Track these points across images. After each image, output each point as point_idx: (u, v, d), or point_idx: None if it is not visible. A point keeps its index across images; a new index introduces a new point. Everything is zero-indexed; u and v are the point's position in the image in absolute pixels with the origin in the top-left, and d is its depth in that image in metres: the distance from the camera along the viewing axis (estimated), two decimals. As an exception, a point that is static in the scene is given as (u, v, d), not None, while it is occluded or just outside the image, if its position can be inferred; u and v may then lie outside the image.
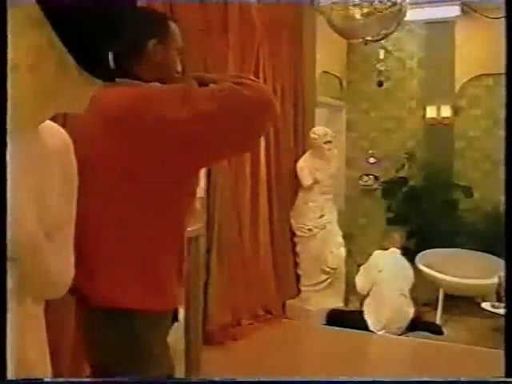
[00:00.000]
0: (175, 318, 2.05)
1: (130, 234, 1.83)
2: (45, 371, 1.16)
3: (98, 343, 1.94)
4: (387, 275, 5.96)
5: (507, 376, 0.98)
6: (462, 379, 1.05)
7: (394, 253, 6.27)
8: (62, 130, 1.23)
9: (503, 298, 5.48)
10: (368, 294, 5.98)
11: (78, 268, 1.89)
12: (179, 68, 2.04)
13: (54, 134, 1.19)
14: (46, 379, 1.15)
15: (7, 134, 0.91)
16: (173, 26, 2.01)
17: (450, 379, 1.08)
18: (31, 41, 0.94)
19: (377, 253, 6.30)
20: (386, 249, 6.32)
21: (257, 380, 1.09)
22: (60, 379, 1.18)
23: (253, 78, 1.92)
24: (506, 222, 1.01)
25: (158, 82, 1.92)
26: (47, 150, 1.14)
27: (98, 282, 1.84)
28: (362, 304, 6.04)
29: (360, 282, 6.12)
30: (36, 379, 1.09)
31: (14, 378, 0.99)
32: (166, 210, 1.86)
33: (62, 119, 3.34)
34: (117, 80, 1.87)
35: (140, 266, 1.84)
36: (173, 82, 1.99)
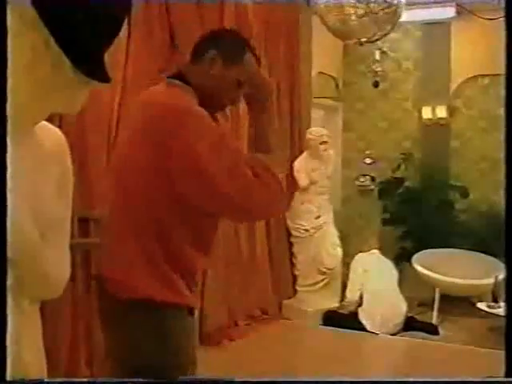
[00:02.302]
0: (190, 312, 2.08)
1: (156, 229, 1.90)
2: (41, 372, 1.16)
3: (120, 334, 1.99)
4: (373, 274, 6.06)
5: (507, 376, 0.98)
6: (462, 379, 1.06)
7: (375, 254, 6.37)
8: (58, 131, 1.23)
9: (499, 298, 5.50)
10: (361, 297, 6.01)
11: (107, 259, 1.99)
12: (235, 100, 2.07)
13: (50, 134, 1.19)
14: (45, 380, 1.15)
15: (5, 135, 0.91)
16: (249, 56, 2.03)
17: (449, 379, 1.08)
18: (27, 41, 0.94)
19: (358, 256, 6.39)
20: (367, 251, 6.42)
21: (254, 380, 1.10)
22: (59, 379, 1.18)
23: (273, 171, 1.92)
24: (506, 221, 1.01)
25: (207, 95, 1.98)
26: (43, 150, 1.14)
27: (120, 272, 1.94)
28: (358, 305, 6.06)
29: (349, 288, 6.18)
30: (36, 380, 1.10)
31: (12, 379, 0.99)
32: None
33: (58, 120, 3.36)
34: (167, 80, 1.99)
35: (159, 258, 1.91)
36: (218, 107, 2.06)
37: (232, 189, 1.83)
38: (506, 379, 0.98)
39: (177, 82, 1.99)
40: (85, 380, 2.96)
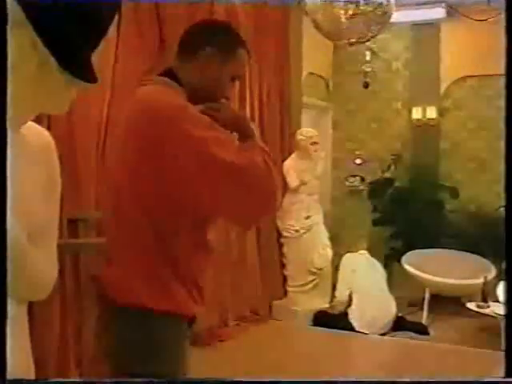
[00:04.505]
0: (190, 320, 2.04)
1: (149, 235, 1.84)
2: (28, 374, 1.15)
3: (114, 340, 1.96)
4: (362, 274, 6.08)
5: (507, 376, 0.98)
6: (461, 380, 1.06)
7: (363, 254, 6.39)
8: (45, 131, 1.22)
9: (488, 298, 5.53)
10: (350, 297, 6.02)
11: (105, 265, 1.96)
12: (228, 94, 2.01)
13: (37, 135, 1.18)
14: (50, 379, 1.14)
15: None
16: (241, 52, 1.97)
17: (449, 380, 1.08)
18: (13, 41, 0.94)
19: (347, 256, 6.40)
20: (355, 251, 6.43)
21: (244, 380, 1.09)
22: (60, 379, 1.17)
23: (270, 160, 1.84)
24: (506, 221, 1.01)
25: (199, 92, 1.92)
26: (30, 151, 1.13)
27: (115, 278, 1.90)
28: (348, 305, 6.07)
29: (338, 289, 6.19)
30: (36, 380, 1.09)
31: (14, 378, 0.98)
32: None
33: (46, 121, 3.35)
34: (156, 78, 1.94)
35: (155, 266, 1.86)
36: (211, 100, 1.96)
37: (235, 158, 1.73)
38: (506, 379, 0.98)
39: (165, 79, 1.92)
40: (88, 380, 2.95)
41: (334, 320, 5.90)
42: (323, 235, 6.42)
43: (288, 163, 6.30)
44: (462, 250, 6.58)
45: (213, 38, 1.94)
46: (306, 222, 6.26)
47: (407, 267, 6.45)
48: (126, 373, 1.90)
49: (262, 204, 1.85)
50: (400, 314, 6.07)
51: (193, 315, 2.00)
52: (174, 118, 1.76)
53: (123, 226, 1.91)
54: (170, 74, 1.94)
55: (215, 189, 1.78)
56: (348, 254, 6.41)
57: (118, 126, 2.03)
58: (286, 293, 6.38)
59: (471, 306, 5.67)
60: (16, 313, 1.11)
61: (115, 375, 1.97)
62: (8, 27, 0.92)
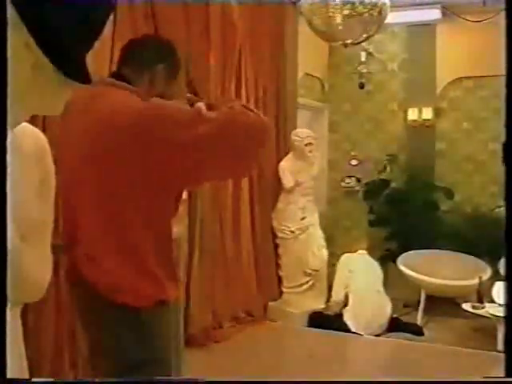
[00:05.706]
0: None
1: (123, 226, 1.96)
2: (21, 375, 1.14)
3: (102, 333, 2.01)
4: (359, 275, 6.09)
5: (507, 376, 0.98)
6: (461, 380, 1.06)
7: (362, 254, 6.38)
8: (39, 133, 1.22)
9: (484, 299, 5.54)
10: (346, 298, 6.02)
11: (86, 260, 2.01)
12: (184, 94, 2.24)
13: (31, 136, 1.18)
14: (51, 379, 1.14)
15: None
16: (180, 72, 2.24)
17: (449, 380, 1.08)
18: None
19: (345, 256, 6.39)
20: (354, 252, 6.43)
21: (240, 381, 1.09)
22: (60, 380, 1.16)
23: (247, 105, 2.04)
24: (506, 221, 1.01)
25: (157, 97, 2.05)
26: (24, 152, 1.13)
27: (102, 274, 1.96)
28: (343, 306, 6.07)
29: (334, 289, 6.19)
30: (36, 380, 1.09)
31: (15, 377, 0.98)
32: (154, 213, 2.00)
33: (41, 122, 3.33)
34: (116, 82, 2.02)
35: (133, 255, 1.95)
36: (171, 98, 2.13)
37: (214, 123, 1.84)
38: (506, 379, 0.98)
39: (126, 85, 2.05)
40: (89, 380, 2.95)
41: (329, 321, 5.90)
42: (319, 236, 6.41)
43: (283, 164, 6.30)
44: (458, 251, 6.59)
45: (165, 56, 2.18)
46: (301, 223, 6.26)
47: (403, 268, 6.45)
48: (118, 365, 1.92)
49: (257, 142, 1.99)
50: (395, 315, 6.08)
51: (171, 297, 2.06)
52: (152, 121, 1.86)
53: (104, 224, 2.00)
54: (118, 76, 2.09)
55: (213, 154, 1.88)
56: (347, 254, 6.39)
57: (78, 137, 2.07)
58: (281, 294, 6.38)
59: (466, 306, 5.68)
60: (9, 315, 1.10)
61: (106, 371, 1.98)
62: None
